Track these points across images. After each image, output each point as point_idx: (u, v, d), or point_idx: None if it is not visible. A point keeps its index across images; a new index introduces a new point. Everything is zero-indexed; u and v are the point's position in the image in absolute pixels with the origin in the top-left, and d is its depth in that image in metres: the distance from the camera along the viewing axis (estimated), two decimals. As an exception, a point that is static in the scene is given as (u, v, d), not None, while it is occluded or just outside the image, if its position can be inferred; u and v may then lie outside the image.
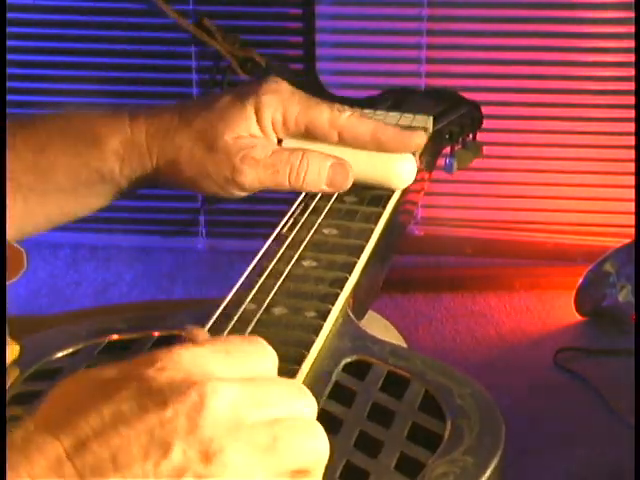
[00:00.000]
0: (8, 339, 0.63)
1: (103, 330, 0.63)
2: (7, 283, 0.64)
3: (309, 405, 0.46)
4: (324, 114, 0.75)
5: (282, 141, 0.77)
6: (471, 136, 0.95)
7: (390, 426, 0.52)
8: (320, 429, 0.46)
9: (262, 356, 0.48)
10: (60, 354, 0.62)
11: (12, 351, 0.62)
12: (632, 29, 2.12)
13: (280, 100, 0.75)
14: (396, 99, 0.91)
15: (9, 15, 2.17)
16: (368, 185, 0.76)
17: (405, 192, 0.77)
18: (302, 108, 0.75)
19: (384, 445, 0.51)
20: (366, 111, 0.87)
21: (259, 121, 0.75)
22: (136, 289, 2.26)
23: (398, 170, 0.76)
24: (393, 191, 0.76)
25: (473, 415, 0.51)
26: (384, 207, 0.73)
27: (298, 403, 0.46)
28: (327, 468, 0.49)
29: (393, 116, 0.85)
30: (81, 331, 0.64)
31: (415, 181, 0.79)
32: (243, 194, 0.76)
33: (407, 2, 2.24)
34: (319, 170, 0.73)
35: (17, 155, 0.76)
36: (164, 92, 2.35)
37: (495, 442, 0.50)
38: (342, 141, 0.76)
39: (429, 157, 0.84)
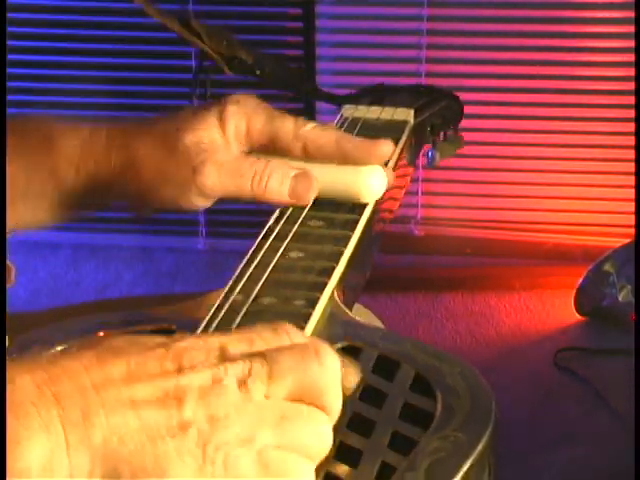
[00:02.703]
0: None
1: (98, 326, 0.63)
2: None
3: (326, 366, 0.48)
4: (287, 125, 0.73)
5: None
6: (452, 128, 0.95)
7: (382, 406, 0.52)
8: (326, 421, 0.47)
9: (277, 333, 0.50)
10: (54, 350, 0.62)
11: None
12: (632, 29, 2.12)
13: (245, 111, 0.73)
14: (376, 95, 0.91)
15: (9, 15, 2.18)
16: (336, 199, 0.72)
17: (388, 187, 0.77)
18: (266, 119, 0.73)
19: (376, 424, 0.51)
20: (347, 106, 0.87)
21: (222, 129, 0.73)
22: (136, 289, 2.27)
23: (366, 183, 0.71)
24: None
25: (463, 393, 0.51)
26: None
27: (312, 376, 0.47)
28: None
29: (375, 110, 0.85)
30: (76, 328, 0.64)
31: (398, 176, 0.78)
32: (202, 204, 0.73)
33: (407, 2, 2.25)
34: (282, 179, 0.70)
35: None
36: (164, 92, 2.36)
37: (485, 418, 0.50)
38: (306, 153, 0.73)
39: (411, 151, 0.84)
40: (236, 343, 0.48)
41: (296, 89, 1.02)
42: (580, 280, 2.11)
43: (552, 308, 2.18)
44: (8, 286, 0.67)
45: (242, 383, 0.46)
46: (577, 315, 2.12)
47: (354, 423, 0.51)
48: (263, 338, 0.49)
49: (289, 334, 0.49)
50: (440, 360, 0.54)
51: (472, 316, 2.17)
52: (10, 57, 2.21)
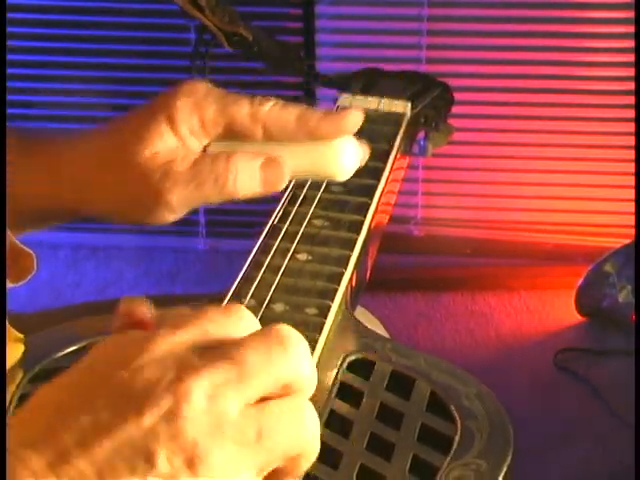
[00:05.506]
0: (14, 334, 0.63)
1: (105, 327, 0.63)
2: (16, 284, 0.63)
3: (295, 360, 0.44)
4: (243, 109, 0.66)
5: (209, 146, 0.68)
6: (443, 118, 0.96)
7: (400, 428, 0.52)
8: (309, 408, 0.44)
9: (237, 321, 0.45)
10: (63, 353, 0.62)
11: (17, 350, 0.61)
12: (632, 29, 2.12)
13: (194, 102, 0.66)
14: (368, 79, 0.92)
15: (9, 15, 2.17)
16: (312, 179, 0.70)
17: (387, 181, 0.77)
18: (219, 107, 0.66)
19: (396, 447, 0.51)
20: (344, 95, 0.88)
21: (175, 131, 0.66)
22: (136, 289, 2.26)
23: (338, 158, 0.66)
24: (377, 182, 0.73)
25: (481, 416, 0.51)
26: (371, 198, 0.73)
27: (283, 368, 0.44)
28: (342, 470, 0.49)
29: (372, 100, 0.86)
30: (83, 329, 0.64)
31: (394, 168, 0.78)
32: (174, 218, 0.67)
33: (407, 2, 2.25)
34: (249, 173, 0.65)
35: None
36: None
37: (505, 444, 0.50)
38: (268, 135, 0.66)
39: (406, 142, 0.85)
40: (189, 339, 0.43)
41: (292, 67, 1.02)
42: (580, 280, 2.11)
43: (552, 308, 2.18)
44: (29, 275, 0.66)
45: (212, 399, 0.42)
46: (577, 315, 2.12)
47: (374, 444, 0.51)
48: (216, 324, 0.44)
49: (242, 314, 0.45)
50: (454, 378, 0.54)
51: (472, 316, 2.17)
52: (10, 57, 2.21)
